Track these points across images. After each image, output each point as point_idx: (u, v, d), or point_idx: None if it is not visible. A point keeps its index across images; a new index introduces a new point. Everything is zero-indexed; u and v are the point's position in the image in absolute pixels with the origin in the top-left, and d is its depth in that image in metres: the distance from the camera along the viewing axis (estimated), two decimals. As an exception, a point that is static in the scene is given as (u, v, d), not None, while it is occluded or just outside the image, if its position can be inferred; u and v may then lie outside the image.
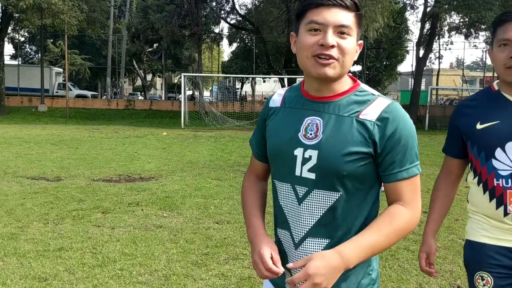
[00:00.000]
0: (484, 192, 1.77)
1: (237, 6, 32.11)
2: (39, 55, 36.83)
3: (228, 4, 32.81)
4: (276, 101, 1.48)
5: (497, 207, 1.72)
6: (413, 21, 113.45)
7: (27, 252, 4.27)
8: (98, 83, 48.98)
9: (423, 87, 34.49)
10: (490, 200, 1.74)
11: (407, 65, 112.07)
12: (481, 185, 1.78)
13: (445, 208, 1.95)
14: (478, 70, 59.52)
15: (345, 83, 1.36)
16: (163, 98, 44.28)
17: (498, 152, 1.72)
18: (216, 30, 36.40)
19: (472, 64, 71.25)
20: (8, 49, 55.54)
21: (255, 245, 1.39)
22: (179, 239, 4.70)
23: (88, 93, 37.97)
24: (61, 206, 6.05)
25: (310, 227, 1.33)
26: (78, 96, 35.19)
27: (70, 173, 8.65)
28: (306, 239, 1.34)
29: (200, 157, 11.41)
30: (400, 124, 1.29)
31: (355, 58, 1.33)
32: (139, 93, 49.86)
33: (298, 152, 1.33)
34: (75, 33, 27.38)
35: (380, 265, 4.08)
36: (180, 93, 33.04)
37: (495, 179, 1.73)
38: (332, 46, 1.26)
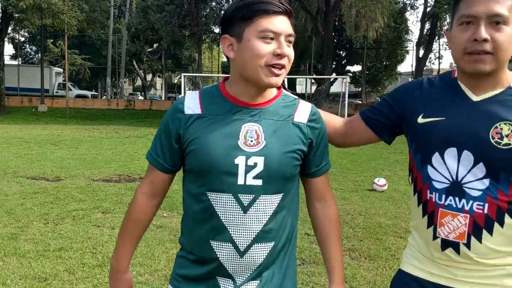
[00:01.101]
0: (418, 204, 1.41)
1: (237, 6, 32.12)
2: (39, 55, 36.86)
3: (228, 4, 32.82)
4: (193, 108, 1.36)
5: (428, 226, 1.38)
6: (413, 21, 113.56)
7: (27, 252, 4.27)
8: (98, 83, 49.02)
9: (423, 87, 34.47)
10: (423, 215, 1.39)
11: (407, 65, 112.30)
12: (416, 194, 1.42)
13: None
14: (478, 70, 59.53)
15: (273, 89, 1.39)
16: (163, 98, 44.29)
17: (436, 158, 1.35)
18: (216, 30, 36.36)
19: (472, 64, 71.24)
20: (8, 49, 55.61)
21: (114, 280, 1.47)
22: (179, 239, 4.70)
23: (88, 93, 38.00)
24: (61, 206, 6.05)
25: (256, 233, 1.33)
26: (78, 96, 35.21)
27: (70, 173, 8.65)
28: (253, 246, 1.33)
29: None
30: (323, 124, 1.43)
31: None
32: (139, 93, 49.88)
33: (240, 160, 1.29)
34: (75, 33, 27.38)
35: (380, 265, 4.08)
36: (180, 93, 33.04)
37: (428, 191, 1.37)
38: (285, 56, 1.29)
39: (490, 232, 1.28)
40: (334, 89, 31.04)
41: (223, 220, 1.32)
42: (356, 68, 44.77)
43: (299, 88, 38.78)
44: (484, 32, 1.25)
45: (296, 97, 1.44)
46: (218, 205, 1.32)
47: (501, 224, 1.28)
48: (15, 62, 39.14)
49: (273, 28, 1.26)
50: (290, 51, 1.30)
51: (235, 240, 1.32)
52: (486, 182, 1.28)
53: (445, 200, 1.33)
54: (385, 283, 3.72)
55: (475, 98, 1.33)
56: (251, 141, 1.31)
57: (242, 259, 1.33)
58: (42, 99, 28.49)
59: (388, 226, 5.30)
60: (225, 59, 51.73)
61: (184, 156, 1.38)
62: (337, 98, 24.49)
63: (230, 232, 1.32)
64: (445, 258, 1.36)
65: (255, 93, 1.34)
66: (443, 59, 36.66)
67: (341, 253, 1.48)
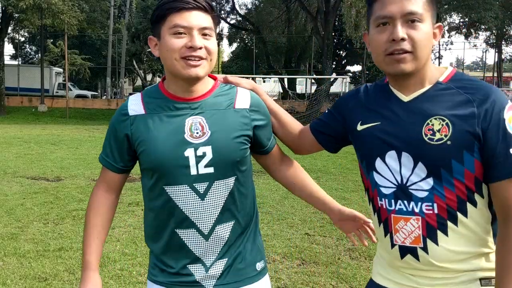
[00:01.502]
0: (374, 213, 1.40)
1: (237, 6, 32.13)
2: (39, 55, 36.86)
3: (228, 4, 32.85)
4: (136, 109, 1.43)
5: (385, 234, 1.36)
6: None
7: (27, 252, 4.27)
8: (98, 83, 48.99)
9: (423, 87, 34.40)
10: (379, 223, 1.38)
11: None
12: (370, 203, 1.41)
13: None
14: (478, 70, 59.56)
15: (209, 81, 1.48)
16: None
17: (378, 163, 1.34)
18: (216, 30, 36.40)
19: (472, 64, 71.30)
20: (8, 49, 55.59)
21: (83, 279, 1.46)
22: (179, 239, 4.70)
23: (88, 93, 37.97)
24: (61, 206, 6.05)
25: (216, 216, 1.42)
26: (78, 96, 35.19)
27: (70, 173, 8.65)
28: (215, 228, 1.42)
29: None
30: (264, 107, 1.52)
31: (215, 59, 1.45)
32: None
33: (189, 152, 1.37)
34: (75, 33, 27.35)
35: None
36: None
37: (378, 198, 1.36)
38: (200, 48, 1.34)
39: (445, 232, 1.26)
40: (334, 89, 31.05)
41: (183, 209, 1.40)
42: (356, 68, 44.79)
43: (299, 88, 38.80)
44: (401, 31, 1.24)
45: (231, 85, 1.52)
46: (176, 197, 1.40)
47: (455, 222, 1.26)
48: (15, 62, 39.12)
49: (182, 23, 1.34)
50: (207, 43, 1.37)
51: (198, 226, 1.41)
52: (430, 181, 1.26)
53: (395, 205, 1.31)
54: (385, 283, 3.72)
55: (405, 98, 1.33)
56: (197, 133, 1.38)
57: (207, 242, 1.43)
58: (42, 99, 28.48)
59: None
60: (225, 59, 51.77)
61: (138, 155, 1.45)
62: (337, 98, 24.46)
63: (192, 219, 1.41)
64: (406, 266, 1.34)
65: (188, 87, 1.41)
66: (443, 59, 36.64)
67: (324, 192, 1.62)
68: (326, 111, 1.59)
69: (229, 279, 1.45)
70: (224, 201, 1.42)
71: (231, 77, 1.56)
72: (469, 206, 1.25)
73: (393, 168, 1.31)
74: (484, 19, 21.85)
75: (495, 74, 33.70)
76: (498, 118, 1.21)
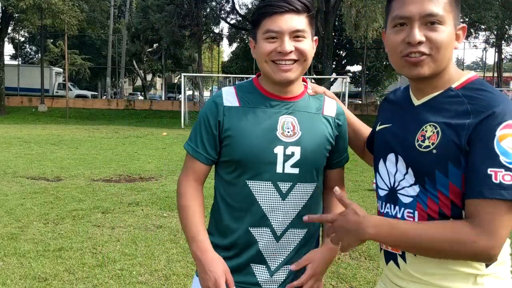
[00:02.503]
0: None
1: (237, 6, 32.10)
2: (39, 55, 36.86)
3: (228, 4, 32.83)
4: (230, 100, 1.44)
5: None
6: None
7: (27, 252, 4.27)
8: (98, 83, 49.00)
9: (423, 87, 34.44)
10: None
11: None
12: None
13: None
14: (478, 70, 59.54)
15: (301, 83, 1.49)
16: (163, 98, 44.29)
17: (381, 165, 1.33)
18: (216, 30, 36.41)
19: (472, 64, 71.31)
20: (8, 49, 55.59)
21: (205, 265, 1.38)
22: (179, 239, 4.70)
23: (88, 93, 37.99)
24: (61, 206, 6.05)
25: (292, 219, 1.42)
26: (78, 96, 35.21)
27: (70, 173, 8.65)
28: (288, 231, 1.43)
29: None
30: (345, 120, 1.53)
31: (312, 56, 1.44)
32: (139, 93, 49.88)
33: (279, 150, 1.38)
34: (75, 33, 27.37)
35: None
36: (180, 93, 33.03)
37: (377, 200, 1.35)
38: (290, 52, 1.36)
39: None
40: (334, 89, 31.05)
41: (262, 207, 1.40)
42: (356, 68, 44.76)
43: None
44: (418, 34, 1.17)
45: (322, 95, 1.54)
46: (258, 193, 1.40)
47: None
48: (15, 62, 39.15)
49: (274, 28, 1.35)
50: (299, 44, 1.37)
51: (273, 225, 1.40)
52: (416, 188, 1.22)
53: (384, 207, 1.30)
54: (385, 283, 3.72)
55: (416, 102, 1.28)
56: (288, 132, 1.39)
57: (278, 244, 1.42)
58: (42, 99, 28.48)
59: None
60: (225, 59, 51.73)
61: (222, 146, 1.44)
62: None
63: (269, 218, 1.40)
64: (391, 273, 1.31)
65: (281, 89, 1.43)
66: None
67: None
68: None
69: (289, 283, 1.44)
70: (302, 205, 1.43)
71: (319, 88, 1.55)
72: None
73: (390, 171, 1.29)
74: (484, 18, 21.83)
75: (495, 74, 33.69)
76: (489, 132, 1.10)
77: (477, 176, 1.11)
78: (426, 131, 1.21)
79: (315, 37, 1.45)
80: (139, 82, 52.71)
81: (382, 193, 1.32)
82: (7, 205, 6.01)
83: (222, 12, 33.14)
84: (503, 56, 35.14)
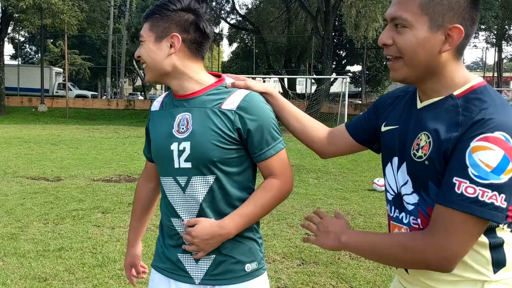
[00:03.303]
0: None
1: (237, 6, 32.09)
2: (39, 55, 36.85)
3: (228, 4, 32.85)
4: (155, 106, 1.63)
5: None
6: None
7: (27, 252, 4.27)
8: (98, 83, 48.99)
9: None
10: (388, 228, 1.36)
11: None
12: None
13: None
14: (478, 70, 59.56)
15: (204, 80, 1.52)
16: (163, 98, 44.15)
17: (388, 168, 1.31)
18: (216, 30, 36.37)
19: (472, 64, 71.29)
20: (8, 49, 55.58)
21: (126, 254, 1.83)
22: (179, 239, 4.70)
23: (88, 93, 37.97)
24: (61, 206, 6.05)
25: (197, 210, 1.49)
26: (78, 96, 35.19)
27: (70, 173, 8.65)
28: None
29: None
30: (259, 109, 1.46)
31: (161, 56, 1.48)
32: (139, 93, 49.88)
33: (174, 146, 1.48)
34: (75, 33, 27.36)
35: (380, 265, 4.08)
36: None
37: (386, 202, 1.33)
38: (139, 56, 1.52)
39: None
40: (334, 89, 31.04)
41: (170, 200, 1.53)
42: (356, 68, 44.77)
43: (299, 88, 38.76)
44: (383, 36, 1.19)
45: (236, 88, 1.51)
46: (166, 187, 1.54)
47: None
48: (15, 62, 39.14)
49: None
50: (140, 52, 1.50)
51: (182, 217, 1.51)
52: (416, 196, 1.21)
53: (393, 212, 1.30)
54: (385, 283, 3.72)
55: (419, 105, 1.25)
56: (182, 128, 1.48)
57: None
58: (42, 99, 28.48)
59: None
60: (225, 59, 51.76)
61: None
62: (337, 98, 24.46)
63: (178, 211, 1.52)
64: (401, 278, 1.30)
65: (177, 86, 1.53)
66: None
67: (248, 210, 1.48)
68: (366, 110, 1.51)
69: (216, 274, 1.51)
70: (203, 197, 1.48)
71: (243, 82, 1.52)
72: None
73: (395, 175, 1.28)
74: (485, 18, 21.86)
75: (495, 74, 33.70)
76: (466, 142, 1.08)
77: (444, 183, 1.10)
78: (420, 139, 1.19)
79: (171, 34, 1.46)
80: (139, 82, 52.71)
81: (390, 196, 1.31)
82: (7, 205, 6.01)
83: (222, 12, 33.16)
84: (503, 56, 35.13)
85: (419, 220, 1.20)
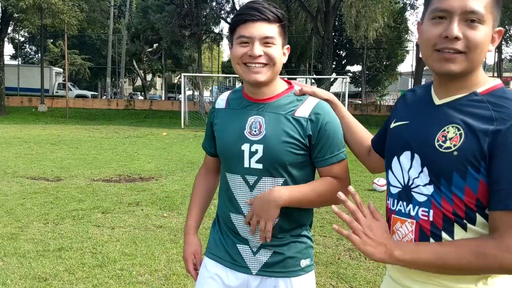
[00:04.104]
0: (385, 212, 1.41)
1: (237, 6, 32.04)
2: (39, 55, 36.83)
3: (228, 4, 32.80)
4: (220, 104, 1.69)
5: None
6: (413, 21, 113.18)
7: (27, 252, 4.27)
8: (98, 83, 48.99)
9: (423, 87, 34.42)
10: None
11: (407, 65, 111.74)
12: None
13: None
14: (478, 70, 59.44)
15: (279, 86, 1.61)
16: (163, 98, 44.28)
17: (395, 162, 1.32)
18: (216, 30, 36.34)
19: (472, 64, 71.19)
20: (8, 49, 55.47)
21: (185, 243, 1.79)
22: (179, 239, 4.70)
23: (88, 93, 37.99)
24: (61, 206, 6.05)
25: None
26: (78, 96, 35.20)
27: (70, 173, 8.65)
28: None
29: (200, 157, 11.40)
30: (329, 118, 1.56)
31: (284, 61, 1.58)
32: (139, 93, 49.87)
33: (245, 147, 1.56)
34: (75, 33, 27.36)
35: (380, 265, 4.08)
36: (180, 93, 33.02)
37: (387, 197, 1.35)
38: (259, 56, 1.50)
39: (438, 242, 1.21)
40: (334, 89, 31.05)
41: (236, 197, 1.61)
42: (356, 68, 44.76)
43: (299, 88, 38.54)
44: (456, 29, 1.15)
45: (306, 96, 1.60)
46: (232, 184, 1.61)
47: (451, 234, 1.19)
48: (15, 62, 39.13)
49: (245, 34, 1.51)
50: (268, 50, 1.51)
51: (245, 213, 1.59)
52: (431, 188, 1.21)
53: (396, 205, 1.30)
54: (385, 283, 3.72)
55: (437, 101, 1.27)
56: (255, 131, 1.56)
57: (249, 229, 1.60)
58: (42, 99, 28.48)
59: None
60: (225, 59, 51.74)
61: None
62: (337, 98, 24.46)
63: (242, 208, 1.60)
64: (399, 274, 1.31)
65: (253, 90, 1.59)
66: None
67: (304, 189, 1.55)
68: (384, 122, 1.53)
69: (273, 267, 1.60)
70: None
71: (309, 88, 1.63)
72: (467, 223, 1.18)
73: (404, 168, 1.29)
74: (484, 19, 21.80)
75: (495, 74, 33.70)
76: None
77: (503, 188, 1.10)
78: (448, 132, 1.20)
79: (287, 46, 1.60)
80: (139, 82, 52.70)
81: (394, 190, 1.31)
82: (7, 205, 6.01)
83: (222, 12, 33.11)
84: (503, 57, 35.15)
85: (431, 212, 1.21)
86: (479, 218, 1.17)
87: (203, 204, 1.82)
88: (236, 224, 1.62)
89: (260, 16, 1.50)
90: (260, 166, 1.55)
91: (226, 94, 1.71)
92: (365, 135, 1.65)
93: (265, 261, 1.62)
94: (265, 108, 1.57)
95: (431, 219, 1.21)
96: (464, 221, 1.18)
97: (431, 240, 1.21)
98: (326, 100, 1.62)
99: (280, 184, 1.56)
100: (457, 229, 1.19)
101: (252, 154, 1.55)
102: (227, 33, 1.75)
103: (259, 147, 1.54)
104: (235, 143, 1.57)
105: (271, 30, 1.51)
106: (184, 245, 1.79)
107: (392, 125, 1.38)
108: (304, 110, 1.55)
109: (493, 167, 1.12)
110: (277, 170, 1.54)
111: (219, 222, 1.72)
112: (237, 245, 1.64)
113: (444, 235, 1.20)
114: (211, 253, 1.70)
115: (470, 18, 1.15)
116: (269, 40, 1.51)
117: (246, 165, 1.56)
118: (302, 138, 1.53)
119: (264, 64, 1.51)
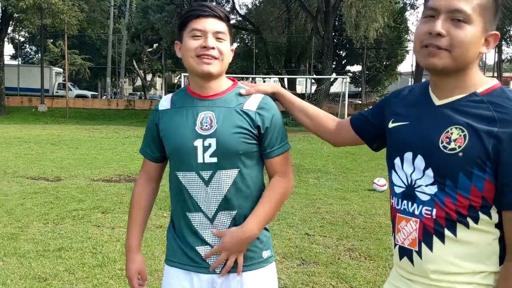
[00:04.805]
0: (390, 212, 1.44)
1: (237, 6, 32.07)
2: (39, 55, 36.84)
3: (228, 4, 32.81)
4: (165, 105, 1.70)
5: (392, 233, 1.38)
6: (413, 21, 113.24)
7: (27, 252, 4.27)
8: (98, 83, 48.99)
9: (423, 87, 34.41)
10: (391, 222, 1.40)
11: (407, 65, 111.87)
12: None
13: None
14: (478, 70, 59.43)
15: (225, 83, 1.67)
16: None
17: (397, 162, 1.35)
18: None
19: (472, 64, 71.20)
20: (8, 49, 55.55)
21: (127, 262, 1.78)
22: (179, 239, 4.70)
23: (88, 93, 37.97)
24: (61, 206, 6.05)
25: (219, 203, 1.60)
26: (78, 96, 35.19)
27: (70, 173, 8.65)
28: (218, 214, 1.61)
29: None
30: (275, 111, 1.64)
31: (230, 60, 1.66)
32: (139, 93, 49.86)
33: (198, 142, 1.58)
34: (75, 33, 27.36)
35: (380, 265, 4.08)
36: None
37: (391, 197, 1.38)
38: (213, 48, 1.56)
39: (442, 239, 1.23)
40: (334, 89, 31.05)
41: (192, 194, 1.61)
42: (356, 68, 44.76)
43: (299, 88, 38.74)
44: (439, 26, 1.20)
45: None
46: (187, 182, 1.61)
47: (454, 232, 1.22)
48: (15, 62, 39.13)
49: (198, 27, 1.57)
50: (219, 45, 1.58)
51: (204, 211, 1.61)
52: (434, 188, 1.24)
53: (401, 204, 1.33)
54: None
55: (437, 102, 1.29)
56: (206, 126, 1.59)
57: (212, 225, 1.62)
58: (42, 99, 28.47)
59: (388, 226, 5.29)
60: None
61: (162, 144, 1.69)
62: (337, 98, 24.49)
63: (199, 204, 1.60)
64: (404, 269, 1.34)
65: (203, 83, 1.62)
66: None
67: (266, 210, 1.61)
68: (371, 106, 1.58)
69: (237, 262, 1.61)
70: (226, 190, 1.59)
71: (255, 89, 1.69)
72: (470, 221, 1.21)
73: (406, 169, 1.31)
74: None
75: (495, 74, 33.70)
76: None
77: (510, 188, 1.15)
78: (451, 133, 1.22)
79: (233, 47, 1.68)
80: (139, 82, 52.70)
81: (398, 190, 1.34)
82: (7, 205, 6.01)
83: (222, 12, 33.12)
84: (503, 57, 35.15)
85: (434, 211, 1.24)
86: (482, 216, 1.20)
87: (144, 219, 1.80)
88: (194, 223, 1.63)
89: (211, 12, 1.58)
90: (214, 159, 1.57)
91: (169, 96, 1.74)
92: (319, 112, 1.71)
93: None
94: (214, 103, 1.62)
95: (434, 216, 1.24)
96: (467, 219, 1.21)
97: (435, 237, 1.24)
98: (272, 93, 1.72)
99: (235, 176, 1.59)
100: (460, 227, 1.22)
101: (205, 148, 1.57)
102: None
103: (212, 141, 1.57)
104: (187, 140, 1.59)
105: (222, 26, 1.59)
106: (126, 263, 1.78)
107: (391, 125, 1.40)
108: (251, 104, 1.62)
109: (501, 169, 1.16)
110: (231, 161, 1.58)
111: (174, 227, 1.72)
112: (196, 247, 1.63)
113: (447, 232, 1.23)
114: (171, 260, 1.71)
115: (457, 17, 1.19)
116: (220, 35, 1.58)
117: (200, 160, 1.58)
118: (252, 128, 1.59)
119: (215, 58, 1.57)
